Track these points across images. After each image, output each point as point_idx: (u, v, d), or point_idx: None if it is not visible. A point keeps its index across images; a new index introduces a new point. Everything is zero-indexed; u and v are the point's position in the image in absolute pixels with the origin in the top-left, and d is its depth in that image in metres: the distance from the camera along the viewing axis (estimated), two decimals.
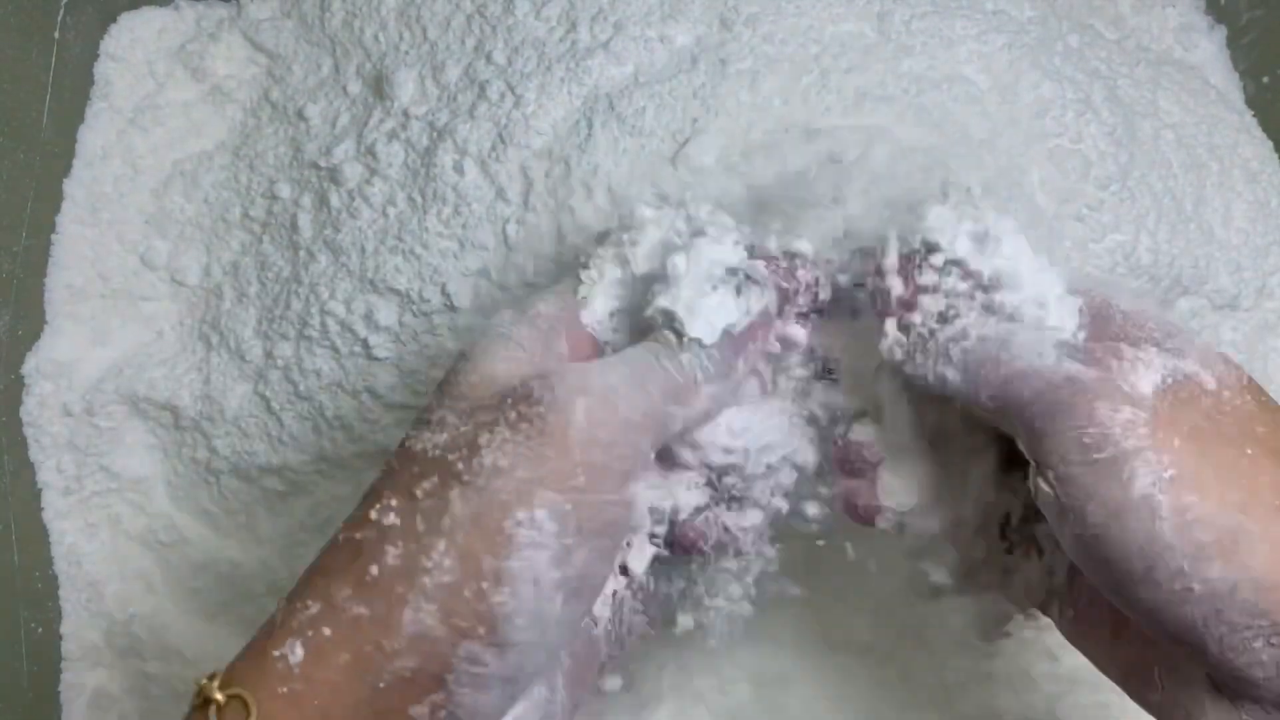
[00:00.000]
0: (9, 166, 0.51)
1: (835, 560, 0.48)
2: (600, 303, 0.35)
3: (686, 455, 0.35)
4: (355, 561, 0.29)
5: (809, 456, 0.38)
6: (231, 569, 0.55)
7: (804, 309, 0.37)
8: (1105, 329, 0.32)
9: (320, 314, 0.51)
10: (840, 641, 0.50)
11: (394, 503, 0.29)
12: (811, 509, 0.39)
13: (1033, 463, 0.31)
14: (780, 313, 0.36)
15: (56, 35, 0.55)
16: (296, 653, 0.28)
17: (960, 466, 0.36)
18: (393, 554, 0.28)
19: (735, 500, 0.37)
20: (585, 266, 0.36)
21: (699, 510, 0.36)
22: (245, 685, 0.28)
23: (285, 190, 0.55)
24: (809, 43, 0.49)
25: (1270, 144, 0.59)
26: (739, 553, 0.37)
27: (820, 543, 0.42)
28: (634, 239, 0.36)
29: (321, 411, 0.52)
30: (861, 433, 0.38)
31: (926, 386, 0.33)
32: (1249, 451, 0.29)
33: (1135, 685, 0.32)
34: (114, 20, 0.60)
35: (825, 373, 0.38)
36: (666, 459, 0.35)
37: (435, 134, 0.50)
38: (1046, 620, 0.48)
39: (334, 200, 0.52)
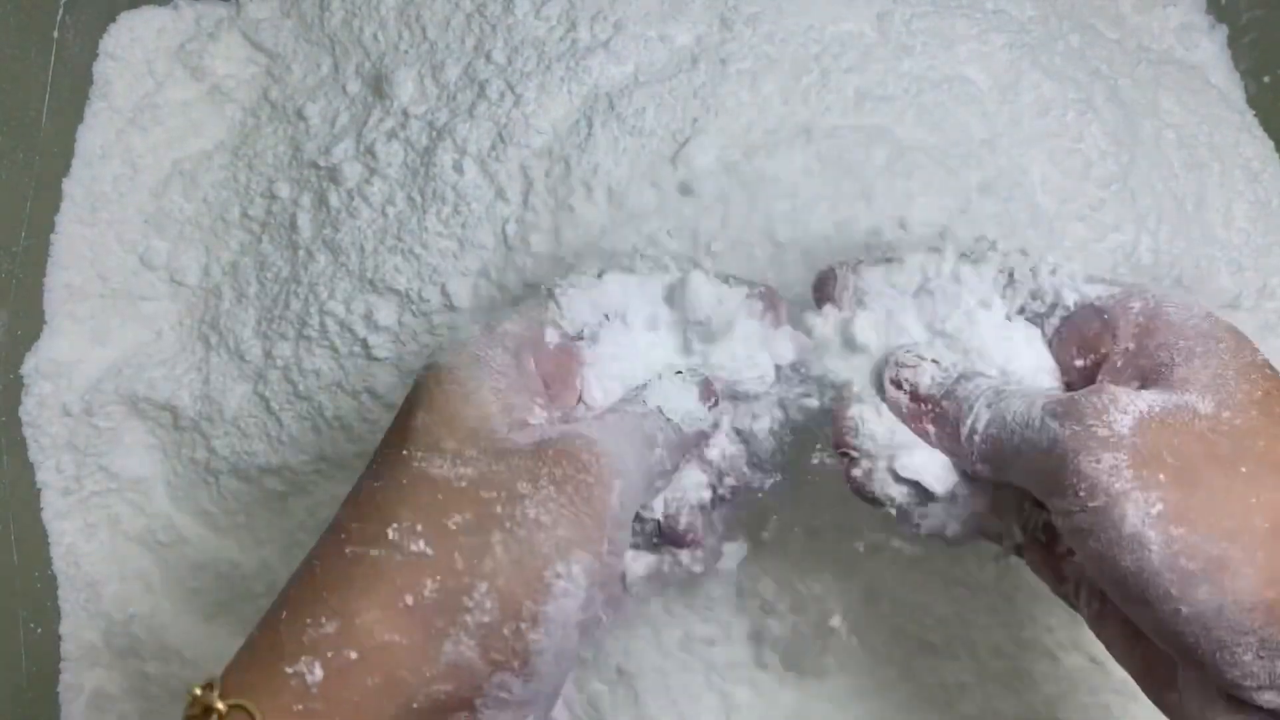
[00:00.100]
0: (8, 166, 0.51)
1: (836, 560, 0.48)
2: (567, 323, 0.38)
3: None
4: (379, 585, 0.29)
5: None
6: (231, 569, 0.55)
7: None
8: (1149, 341, 0.34)
9: (320, 314, 0.51)
10: (840, 641, 0.50)
11: (420, 528, 0.30)
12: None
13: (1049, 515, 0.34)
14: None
15: (55, 35, 0.55)
16: (315, 672, 0.28)
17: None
18: (431, 587, 0.29)
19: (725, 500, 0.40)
20: (551, 295, 0.38)
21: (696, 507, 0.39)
22: (251, 698, 0.28)
23: (284, 190, 0.55)
24: (809, 43, 0.49)
25: (1271, 143, 0.59)
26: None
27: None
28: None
29: (321, 411, 0.52)
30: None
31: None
32: (1243, 470, 0.30)
33: (1153, 683, 0.34)
34: (113, 20, 0.60)
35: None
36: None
37: (435, 133, 0.50)
38: (1047, 621, 0.48)
39: (333, 200, 0.52)
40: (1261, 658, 0.29)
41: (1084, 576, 0.36)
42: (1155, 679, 0.33)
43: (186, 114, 0.60)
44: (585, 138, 0.48)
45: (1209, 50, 0.62)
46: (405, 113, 0.52)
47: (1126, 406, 0.31)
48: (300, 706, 0.28)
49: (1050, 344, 0.37)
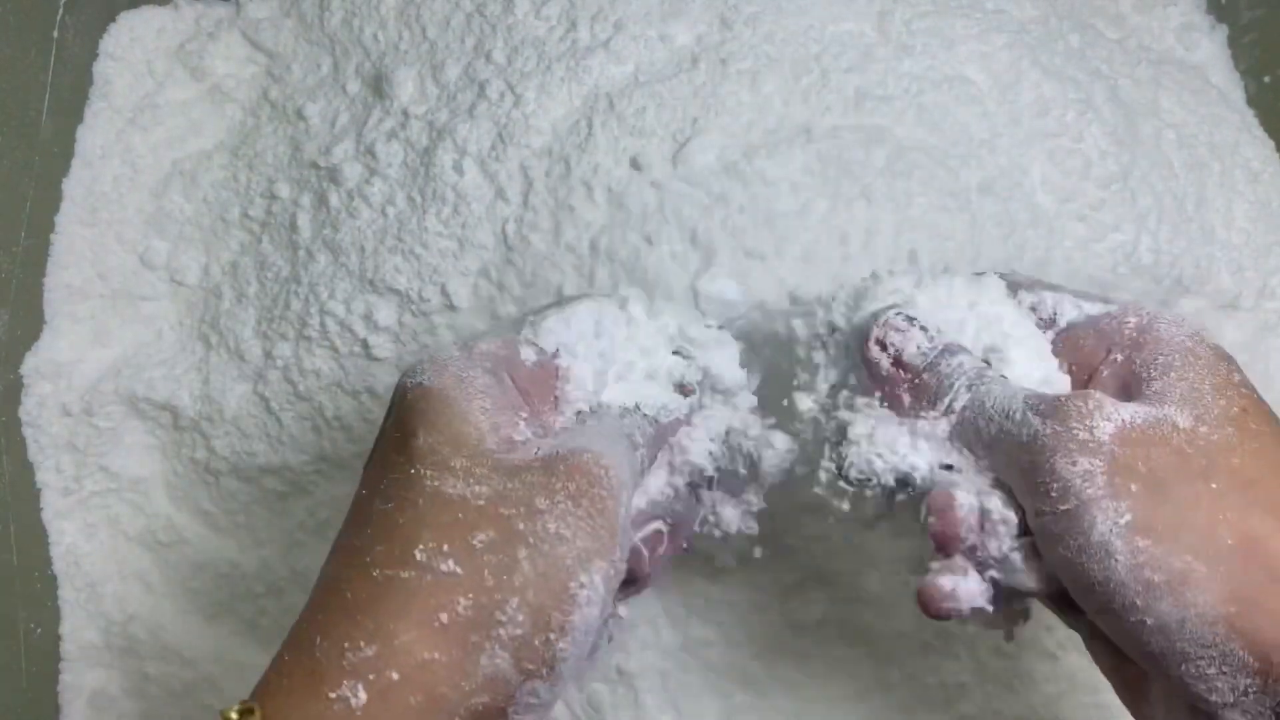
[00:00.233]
0: (8, 166, 0.51)
1: (835, 561, 0.48)
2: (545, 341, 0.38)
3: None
4: (413, 606, 0.30)
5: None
6: (231, 569, 0.55)
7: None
8: (1137, 354, 0.34)
9: (320, 314, 0.51)
10: (840, 642, 0.50)
11: (446, 548, 0.31)
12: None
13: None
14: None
15: (55, 35, 0.55)
16: (359, 695, 0.29)
17: None
18: (463, 604, 0.30)
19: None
20: (531, 325, 0.39)
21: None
22: None
23: (284, 190, 0.55)
24: (809, 43, 0.49)
25: (1271, 144, 0.59)
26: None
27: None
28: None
29: (321, 412, 0.52)
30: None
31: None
32: (1214, 486, 0.31)
33: (1130, 697, 0.34)
34: (113, 20, 0.59)
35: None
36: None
37: (435, 133, 0.50)
38: (1047, 620, 0.48)
39: (333, 200, 0.52)
40: (1224, 673, 0.29)
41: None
42: (1132, 693, 0.34)
43: (186, 114, 0.60)
44: (585, 138, 0.48)
45: (1209, 50, 0.62)
46: (405, 113, 0.52)
47: (1110, 414, 0.32)
48: None
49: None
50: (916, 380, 0.36)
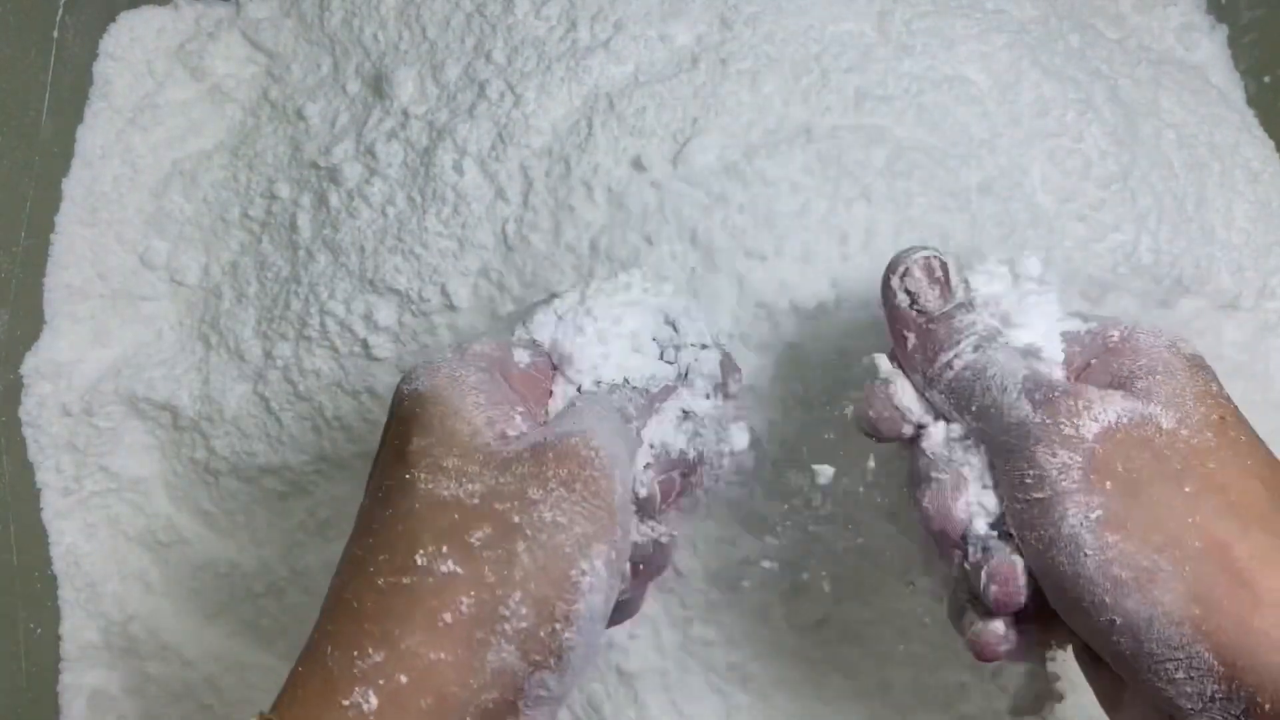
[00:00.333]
0: (8, 166, 0.51)
1: (836, 561, 0.48)
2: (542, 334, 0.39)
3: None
4: (416, 609, 0.30)
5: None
6: (231, 569, 0.55)
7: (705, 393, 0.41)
8: (1113, 359, 0.35)
9: (320, 314, 0.51)
10: (840, 642, 0.50)
11: (445, 550, 0.31)
12: None
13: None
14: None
15: (55, 34, 0.55)
16: (371, 701, 0.29)
17: None
18: (466, 603, 0.30)
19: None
20: (523, 323, 0.39)
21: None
22: None
23: (284, 190, 0.55)
24: (809, 43, 0.49)
25: (1272, 144, 0.59)
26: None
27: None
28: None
29: (321, 412, 0.52)
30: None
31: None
32: (1187, 489, 0.31)
33: (1108, 704, 0.35)
34: (113, 20, 0.59)
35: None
36: None
37: (435, 133, 0.50)
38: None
39: (333, 200, 0.52)
40: (1191, 677, 0.29)
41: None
42: (1108, 699, 0.34)
43: (186, 114, 0.60)
44: (585, 138, 0.48)
45: (1209, 50, 0.62)
46: (405, 113, 0.52)
47: (1098, 415, 0.32)
48: None
49: None
50: (928, 326, 0.36)
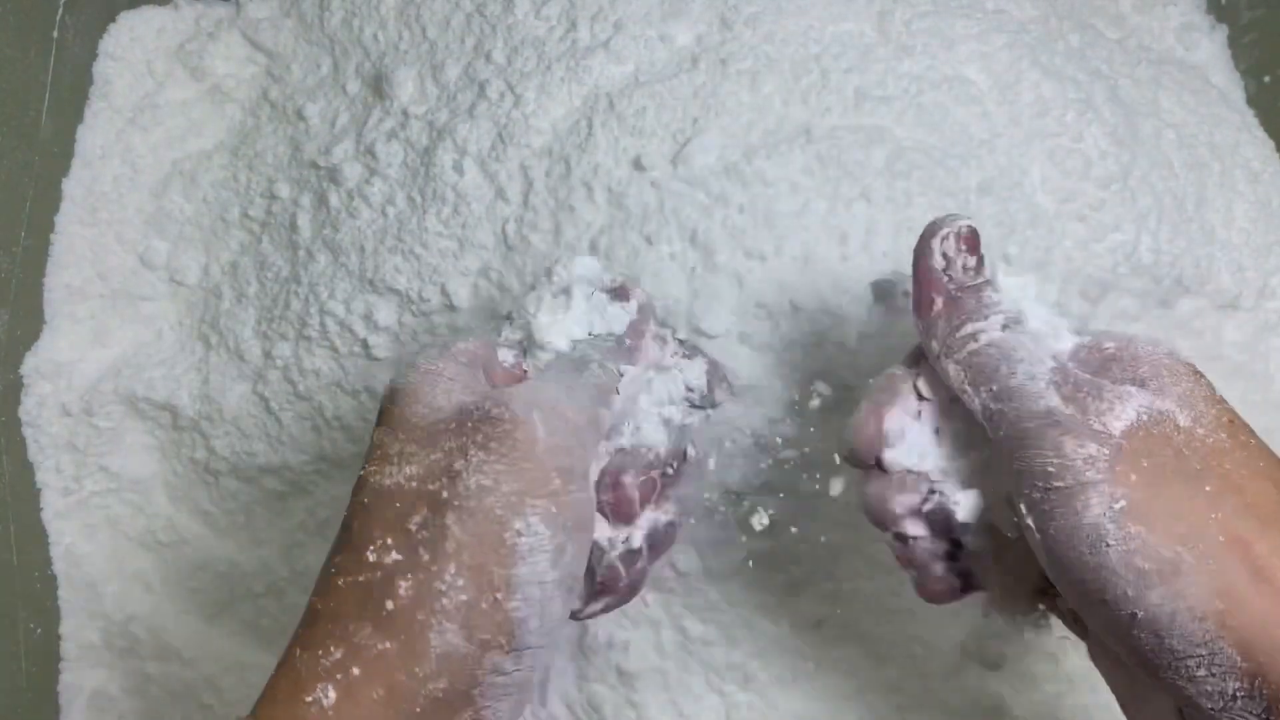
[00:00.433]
0: (8, 166, 0.51)
1: (836, 561, 0.48)
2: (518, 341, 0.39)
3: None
4: (368, 602, 0.31)
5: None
6: (230, 569, 0.55)
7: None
8: (1115, 365, 0.34)
9: (319, 314, 0.51)
10: (841, 641, 0.50)
11: (390, 540, 0.31)
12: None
13: (1010, 491, 0.33)
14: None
15: (55, 35, 0.55)
16: (330, 696, 0.30)
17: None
18: (404, 587, 0.30)
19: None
20: (509, 321, 0.39)
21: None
22: None
23: (284, 190, 0.55)
24: (809, 43, 0.49)
25: (1272, 144, 0.59)
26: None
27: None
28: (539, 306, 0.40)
29: (321, 411, 0.52)
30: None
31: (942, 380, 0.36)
32: (1207, 488, 0.31)
33: (1130, 706, 0.35)
34: (113, 20, 0.60)
35: None
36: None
37: (435, 133, 0.50)
38: (1047, 621, 0.48)
39: (333, 200, 0.52)
40: (1214, 674, 0.29)
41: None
42: (1128, 700, 0.34)
43: (186, 114, 0.60)
44: (585, 138, 0.48)
45: (1209, 50, 0.62)
46: (405, 113, 0.52)
47: (1121, 412, 0.32)
48: None
49: None
50: (958, 294, 0.36)
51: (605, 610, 0.38)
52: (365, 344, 0.50)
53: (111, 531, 0.56)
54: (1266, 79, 0.61)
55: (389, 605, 0.30)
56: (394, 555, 0.31)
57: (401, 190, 0.50)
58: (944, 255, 0.36)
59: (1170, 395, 0.33)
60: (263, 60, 0.60)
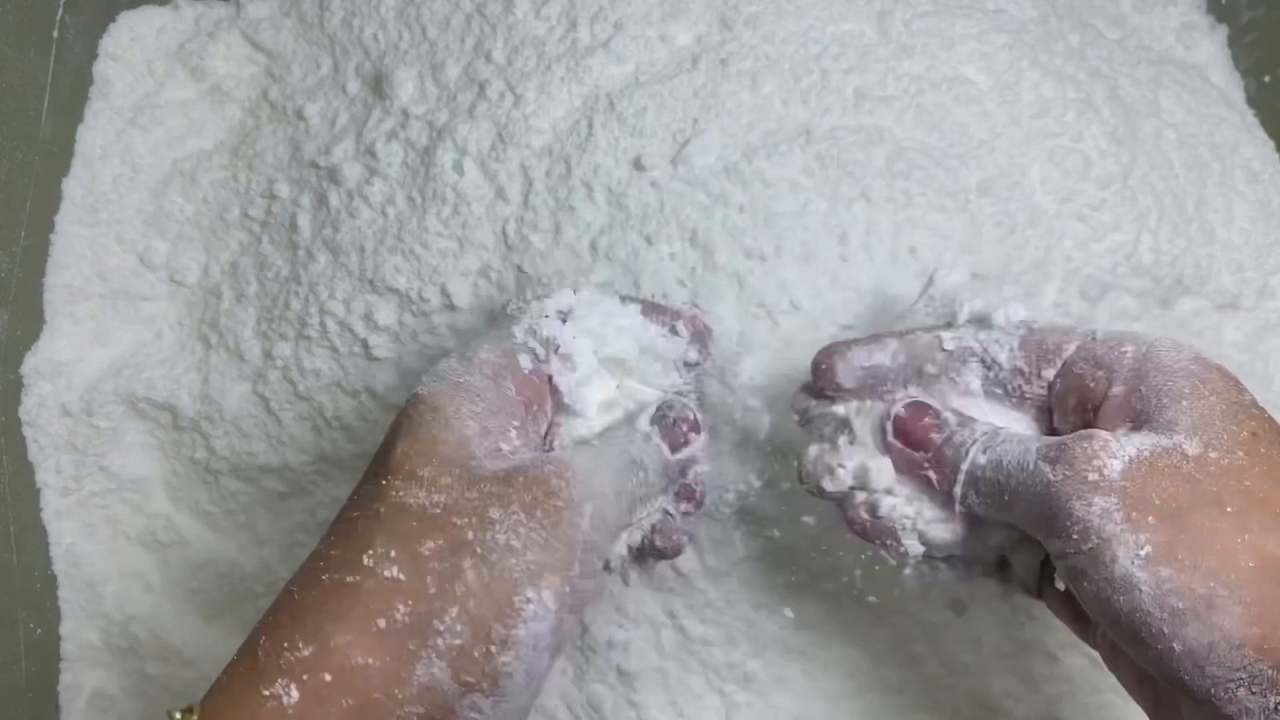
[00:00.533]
0: (8, 166, 0.51)
1: (836, 561, 0.48)
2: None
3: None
4: (354, 609, 0.30)
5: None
6: (230, 569, 0.55)
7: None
8: (1141, 384, 0.35)
9: (319, 314, 0.51)
10: (840, 641, 0.50)
11: (393, 554, 0.31)
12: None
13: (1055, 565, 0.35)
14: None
15: (55, 35, 0.55)
16: (291, 694, 0.29)
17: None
18: (402, 611, 0.30)
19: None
20: (516, 319, 0.39)
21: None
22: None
23: (284, 190, 0.55)
24: (809, 43, 0.49)
25: (1271, 143, 0.59)
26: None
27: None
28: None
29: (321, 412, 0.52)
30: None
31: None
32: (1229, 510, 0.31)
33: (1161, 717, 0.35)
34: (113, 20, 0.60)
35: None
36: None
37: (435, 133, 0.50)
38: (1047, 621, 0.48)
39: (333, 200, 0.52)
40: (1254, 693, 0.30)
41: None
42: (1163, 715, 0.34)
43: (186, 114, 0.60)
44: (585, 138, 0.48)
45: (1209, 50, 0.62)
46: (405, 113, 0.52)
47: (1116, 451, 0.32)
48: None
49: (1051, 395, 0.38)
50: (937, 455, 0.37)
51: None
52: (365, 344, 0.50)
53: (111, 531, 0.56)
54: (1266, 79, 0.61)
55: (380, 623, 0.30)
56: (395, 571, 0.30)
57: (401, 190, 0.50)
58: (907, 441, 0.38)
59: (1181, 426, 0.33)
60: (263, 60, 0.60)
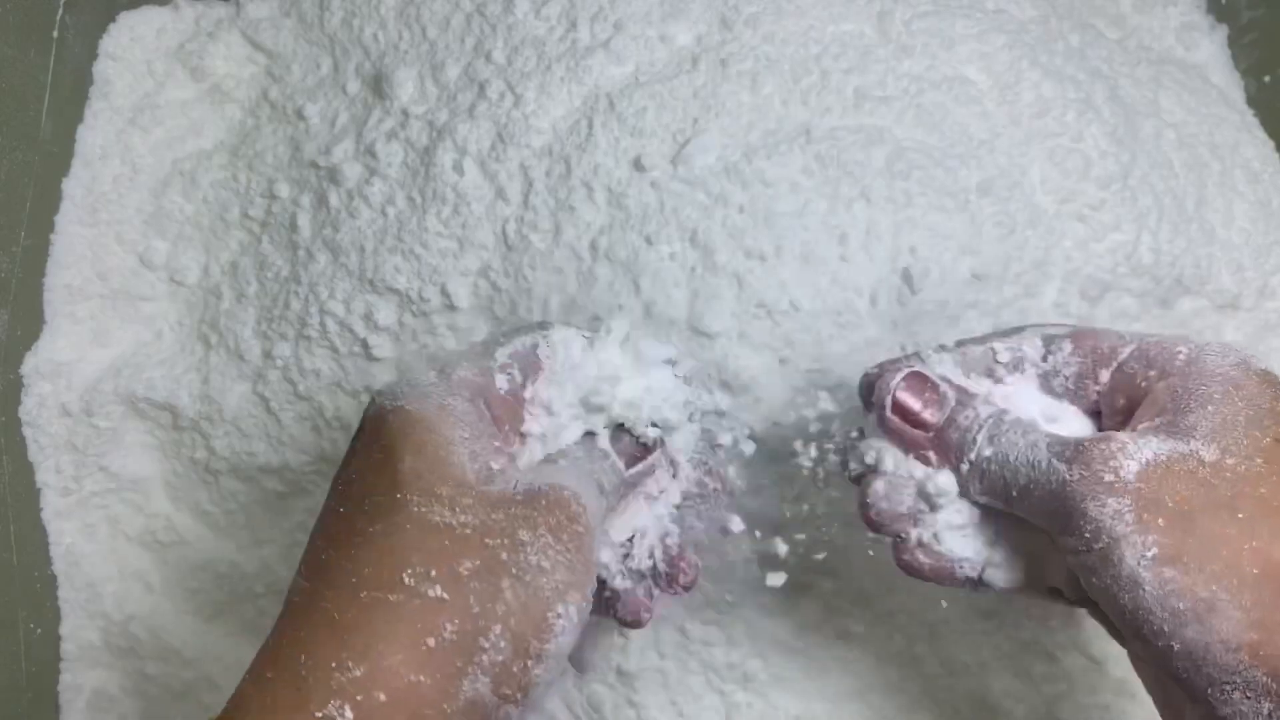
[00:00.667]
0: (8, 166, 0.51)
1: (836, 562, 0.48)
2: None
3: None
4: (400, 628, 0.31)
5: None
6: (230, 569, 0.55)
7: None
8: (1181, 385, 0.35)
9: (319, 314, 0.51)
10: (840, 641, 0.50)
11: (434, 574, 0.32)
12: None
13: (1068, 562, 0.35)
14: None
15: (55, 35, 0.55)
16: (346, 715, 0.30)
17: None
18: (450, 629, 0.31)
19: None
20: (501, 344, 0.39)
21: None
22: None
23: (284, 190, 0.55)
24: (809, 43, 0.49)
25: (1271, 144, 0.59)
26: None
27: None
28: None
29: (321, 412, 0.52)
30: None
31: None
32: (1240, 515, 0.32)
33: (1169, 717, 0.35)
34: (113, 20, 0.59)
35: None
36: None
37: (435, 133, 0.50)
38: (1047, 621, 0.48)
39: (333, 200, 0.52)
40: (1249, 698, 0.30)
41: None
42: (1170, 713, 0.35)
43: (186, 114, 0.60)
44: (585, 138, 0.48)
45: (1209, 50, 0.62)
46: (405, 113, 0.52)
47: (1133, 453, 0.33)
48: None
49: (1100, 393, 0.38)
50: (939, 437, 0.37)
51: None
52: (365, 344, 0.50)
53: (111, 531, 0.56)
54: (1266, 79, 0.61)
55: (430, 641, 0.31)
56: (439, 591, 0.31)
57: (401, 190, 0.50)
58: (904, 416, 0.38)
59: (1200, 431, 0.33)
60: (263, 60, 0.60)
